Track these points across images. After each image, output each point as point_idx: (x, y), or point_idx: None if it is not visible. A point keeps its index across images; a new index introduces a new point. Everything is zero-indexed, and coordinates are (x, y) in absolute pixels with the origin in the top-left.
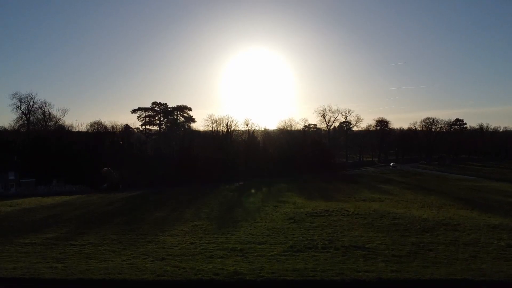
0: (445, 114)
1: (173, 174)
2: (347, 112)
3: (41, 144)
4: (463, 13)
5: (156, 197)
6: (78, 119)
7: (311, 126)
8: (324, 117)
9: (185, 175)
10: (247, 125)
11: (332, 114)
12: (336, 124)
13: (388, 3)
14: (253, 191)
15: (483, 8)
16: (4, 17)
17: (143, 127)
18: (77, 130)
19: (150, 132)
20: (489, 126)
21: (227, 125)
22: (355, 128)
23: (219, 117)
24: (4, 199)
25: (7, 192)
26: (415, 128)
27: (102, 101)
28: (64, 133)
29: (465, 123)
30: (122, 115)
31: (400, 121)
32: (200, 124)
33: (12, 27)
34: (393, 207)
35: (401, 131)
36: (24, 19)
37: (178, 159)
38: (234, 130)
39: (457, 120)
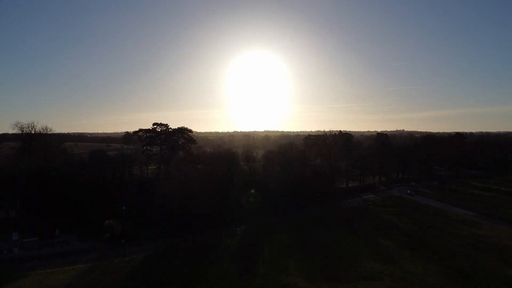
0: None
1: (173, 224)
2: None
3: (43, 180)
4: (463, 14)
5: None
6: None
7: (311, 137)
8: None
9: (185, 223)
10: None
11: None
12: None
13: (387, 5)
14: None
15: (483, 10)
16: None
17: (144, 148)
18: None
19: (151, 152)
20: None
21: (228, 164)
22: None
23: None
24: (8, 263)
25: (10, 254)
26: (416, 146)
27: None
28: (65, 167)
29: (466, 137)
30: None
31: (399, 121)
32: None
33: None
34: None
35: (402, 147)
36: None
37: (178, 207)
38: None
39: (458, 134)
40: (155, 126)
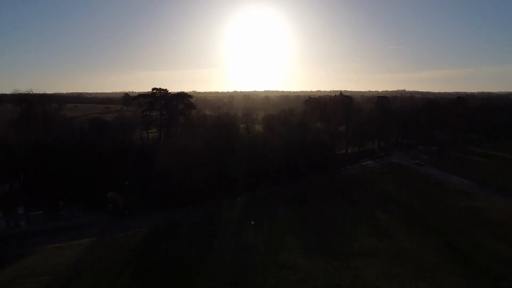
0: (447, 74)
1: (175, 195)
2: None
3: (44, 151)
4: None
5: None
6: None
7: (311, 99)
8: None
9: (186, 194)
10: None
11: None
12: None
13: None
14: (253, 222)
15: None
16: None
17: (144, 113)
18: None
19: (150, 118)
20: (492, 93)
21: (227, 133)
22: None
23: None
24: (16, 238)
25: (17, 228)
26: (417, 111)
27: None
28: (66, 136)
29: (467, 101)
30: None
31: (401, 81)
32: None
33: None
34: (384, 275)
35: (402, 112)
36: None
37: (179, 178)
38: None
39: (459, 98)
40: (154, 91)
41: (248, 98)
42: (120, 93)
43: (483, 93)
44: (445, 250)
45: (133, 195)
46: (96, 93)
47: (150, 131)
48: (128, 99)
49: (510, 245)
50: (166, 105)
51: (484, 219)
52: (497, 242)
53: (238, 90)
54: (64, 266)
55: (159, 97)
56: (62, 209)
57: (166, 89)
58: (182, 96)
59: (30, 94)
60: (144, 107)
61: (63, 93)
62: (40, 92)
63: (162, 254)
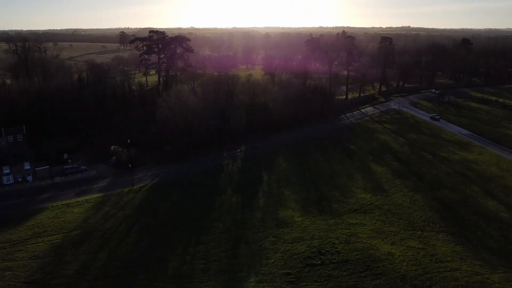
0: (453, 9)
1: (176, 148)
2: None
3: (44, 102)
4: None
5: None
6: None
7: (313, 39)
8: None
9: (188, 147)
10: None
11: None
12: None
13: None
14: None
15: None
16: None
17: (142, 57)
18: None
19: (149, 61)
20: (500, 30)
21: (228, 84)
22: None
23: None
24: (24, 195)
25: (25, 184)
26: (420, 54)
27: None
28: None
29: (471, 44)
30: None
31: (405, 16)
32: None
33: None
34: (378, 233)
35: (406, 55)
36: None
37: (180, 130)
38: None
39: (464, 40)
40: (151, 34)
41: (248, 36)
42: (116, 29)
43: (490, 30)
44: (435, 206)
45: (135, 148)
46: (92, 29)
47: (149, 74)
48: (124, 37)
49: (498, 201)
50: (164, 49)
51: (476, 173)
52: (486, 198)
53: (238, 26)
54: (73, 225)
55: (157, 40)
56: (66, 161)
57: (163, 32)
58: (180, 39)
59: (23, 36)
60: (141, 51)
61: (57, 29)
62: (33, 29)
63: (166, 212)
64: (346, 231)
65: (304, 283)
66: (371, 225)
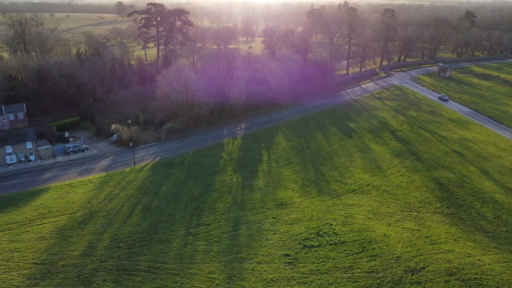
0: None
1: (175, 126)
2: None
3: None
4: None
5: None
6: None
7: (314, 11)
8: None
9: (188, 123)
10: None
11: None
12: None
13: None
14: (253, 150)
15: None
16: None
17: (140, 30)
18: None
19: (147, 35)
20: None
21: (228, 58)
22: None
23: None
24: (28, 174)
25: (28, 163)
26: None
27: None
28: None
29: (475, 16)
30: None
31: None
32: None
33: None
34: (375, 214)
35: (408, 27)
36: None
37: (179, 107)
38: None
39: (468, 13)
40: (149, 7)
41: (248, 7)
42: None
43: (496, 1)
44: (432, 186)
45: (136, 126)
46: None
47: (148, 47)
48: (122, 8)
49: (494, 181)
50: (163, 22)
51: (474, 153)
52: (482, 178)
53: None
54: (77, 205)
55: (155, 13)
56: (67, 140)
57: (162, 4)
58: (179, 12)
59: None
60: (140, 24)
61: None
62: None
63: (168, 191)
64: (343, 212)
65: (301, 264)
66: (368, 206)
